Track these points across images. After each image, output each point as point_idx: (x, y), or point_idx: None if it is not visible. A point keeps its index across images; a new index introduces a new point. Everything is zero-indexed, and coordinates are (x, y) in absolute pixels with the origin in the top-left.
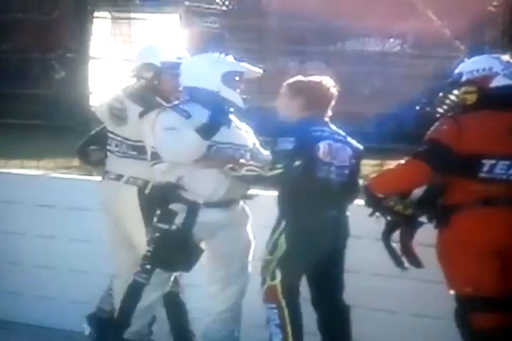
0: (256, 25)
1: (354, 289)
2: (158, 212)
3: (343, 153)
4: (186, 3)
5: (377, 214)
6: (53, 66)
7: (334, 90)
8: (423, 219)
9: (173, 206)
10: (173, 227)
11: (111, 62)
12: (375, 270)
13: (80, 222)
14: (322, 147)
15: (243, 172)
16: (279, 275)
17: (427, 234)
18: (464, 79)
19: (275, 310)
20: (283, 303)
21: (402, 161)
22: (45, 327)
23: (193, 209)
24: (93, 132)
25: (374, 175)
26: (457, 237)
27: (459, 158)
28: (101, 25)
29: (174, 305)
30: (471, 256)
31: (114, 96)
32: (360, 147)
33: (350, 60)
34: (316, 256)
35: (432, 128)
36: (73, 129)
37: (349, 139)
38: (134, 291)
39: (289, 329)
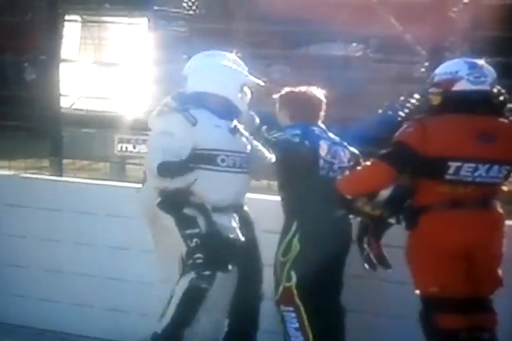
0: (223, 29)
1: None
2: (176, 219)
3: (342, 154)
4: (155, 7)
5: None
6: (26, 68)
7: (319, 98)
8: (392, 220)
9: (185, 211)
10: (203, 229)
11: (81, 64)
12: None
13: (49, 222)
14: (322, 145)
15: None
16: (294, 276)
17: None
18: (434, 80)
19: (293, 313)
20: (301, 305)
21: (368, 163)
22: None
23: (205, 212)
24: None
25: (341, 176)
26: (425, 238)
27: (425, 160)
28: (72, 28)
29: None
30: (438, 256)
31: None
32: (356, 151)
33: (315, 64)
34: (328, 256)
35: (399, 130)
36: (44, 130)
37: (345, 143)
38: (196, 297)
39: (309, 332)
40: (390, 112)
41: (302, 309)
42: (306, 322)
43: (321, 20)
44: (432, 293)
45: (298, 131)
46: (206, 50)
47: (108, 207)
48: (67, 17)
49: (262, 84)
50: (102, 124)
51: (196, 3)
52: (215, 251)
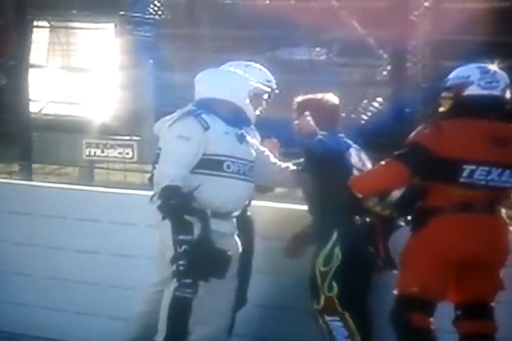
0: (188, 34)
1: None
2: (173, 223)
3: (366, 160)
4: (121, 12)
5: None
6: None
7: (337, 104)
8: (401, 221)
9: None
10: (195, 237)
11: (50, 70)
12: None
13: (19, 227)
14: (352, 152)
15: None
16: (335, 286)
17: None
18: (447, 84)
19: (339, 323)
20: (346, 314)
21: (383, 162)
22: None
23: (204, 218)
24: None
25: (355, 176)
26: (430, 239)
27: (440, 161)
28: (40, 34)
29: None
30: (435, 258)
31: None
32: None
33: (280, 69)
34: (366, 265)
35: (414, 131)
36: (14, 135)
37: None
38: (182, 307)
39: (357, 338)
40: (353, 115)
41: (348, 316)
42: (354, 330)
43: (285, 25)
44: (411, 293)
45: (330, 140)
46: (171, 54)
47: (77, 211)
48: (35, 23)
49: (277, 91)
50: (70, 129)
51: (162, 8)
52: (199, 261)
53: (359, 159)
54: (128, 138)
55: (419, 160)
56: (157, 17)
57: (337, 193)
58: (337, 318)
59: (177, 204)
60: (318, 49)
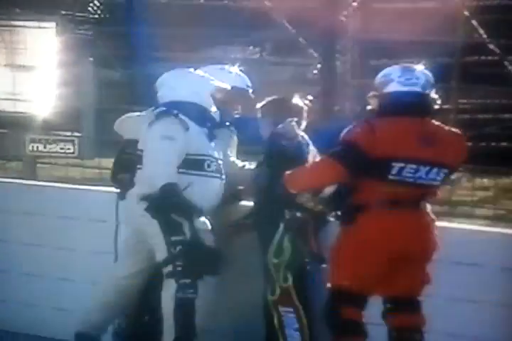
0: (126, 33)
1: None
2: (162, 224)
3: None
4: (62, 11)
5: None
6: None
7: (301, 106)
8: (331, 217)
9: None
10: (187, 237)
11: None
12: None
13: None
14: (312, 151)
15: None
16: (290, 277)
17: None
18: (374, 84)
19: (292, 314)
20: (300, 307)
21: (317, 160)
22: None
23: (190, 218)
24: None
25: (289, 172)
26: (359, 235)
27: (372, 160)
28: None
29: None
30: (365, 253)
31: None
32: None
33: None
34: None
35: (346, 129)
36: None
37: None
38: (187, 308)
39: (307, 332)
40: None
41: (301, 309)
42: (305, 323)
43: (220, 24)
44: (342, 286)
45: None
46: (110, 52)
47: (21, 205)
48: None
49: (229, 88)
50: (14, 125)
51: (101, 7)
52: (194, 260)
53: (313, 157)
54: (69, 133)
55: (353, 159)
56: (96, 16)
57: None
58: (291, 310)
59: (178, 202)
60: (251, 47)
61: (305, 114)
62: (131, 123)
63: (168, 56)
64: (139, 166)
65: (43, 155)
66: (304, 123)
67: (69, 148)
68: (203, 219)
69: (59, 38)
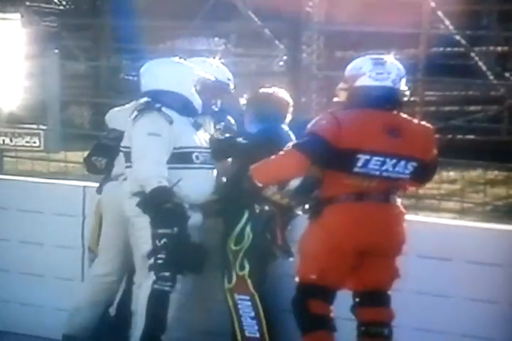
0: (91, 24)
1: None
2: (153, 218)
3: None
4: (27, 3)
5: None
6: None
7: (287, 100)
8: (298, 210)
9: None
10: (175, 231)
11: None
12: None
13: None
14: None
15: None
16: (247, 265)
17: None
18: (344, 76)
19: (248, 302)
20: (256, 295)
21: (282, 152)
22: None
23: (182, 213)
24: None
25: (255, 165)
26: (324, 229)
27: (337, 152)
28: None
29: None
30: (331, 246)
31: None
32: None
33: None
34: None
35: (313, 121)
36: None
37: None
38: (161, 300)
39: (264, 320)
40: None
41: (257, 298)
42: (261, 311)
43: (185, 15)
44: (310, 280)
45: (267, 129)
46: (75, 44)
47: None
48: None
49: (213, 79)
50: None
51: None
52: (177, 255)
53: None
54: (35, 126)
55: (318, 150)
56: (62, 8)
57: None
58: (247, 298)
59: (171, 207)
60: (216, 39)
61: (291, 109)
62: (116, 116)
63: (133, 48)
64: (127, 164)
65: (9, 149)
66: (289, 117)
67: (35, 142)
68: (193, 213)
69: (24, 30)
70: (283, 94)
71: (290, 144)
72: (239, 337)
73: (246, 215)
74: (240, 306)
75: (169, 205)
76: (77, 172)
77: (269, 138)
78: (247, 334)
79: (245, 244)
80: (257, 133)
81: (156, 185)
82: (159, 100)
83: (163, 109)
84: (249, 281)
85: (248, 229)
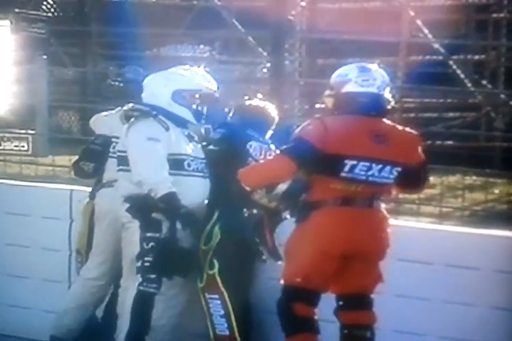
0: (78, 31)
1: None
2: (142, 221)
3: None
4: (16, 9)
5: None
6: None
7: (273, 117)
8: (286, 214)
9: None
10: (163, 235)
11: None
12: None
13: None
14: (254, 144)
15: None
16: (216, 264)
17: None
18: (330, 83)
19: (218, 301)
20: (225, 293)
21: (270, 157)
22: None
23: (172, 218)
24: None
25: (243, 169)
26: (312, 232)
27: (324, 157)
28: None
29: None
30: (317, 250)
31: None
32: None
33: (166, 65)
34: (246, 246)
35: (300, 127)
36: None
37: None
38: (146, 302)
39: (233, 318)
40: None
41: (226, 296)
42: (230, 309)
43: (171, 23)
44: (295, 283)
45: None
46: (63, 50)
47: None
48: None
49: (214, 88)
50: None
51: (54, 5)
52: (164, 258)
53: (260, 152)
54: (23, 131)
55: (304, 155)
56: (50, 14)
57: (223, 178)
58: (216, 296)
59: (186, 212)
60: (202, 46)
61: (275, 125)
62: (104, 121)
63: (120, 54)
64: (122, 167)
65: None
66: (270, 132)
67: (23, 146)
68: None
69: (13, 36)
70: (271, 109)
71: (278, 149)
72: (211, 335)
73: (215, 215)
74: (210, 305)
75: (184, 210)
76: (65, 176)
77: (228, 142)
78: (217, 332)
79: (213, 243)
80: (218, 139)
81: (167, 190)
82: (156, 110)
83: (160, 116)
84: (218, 280)
85: (216, 228)
